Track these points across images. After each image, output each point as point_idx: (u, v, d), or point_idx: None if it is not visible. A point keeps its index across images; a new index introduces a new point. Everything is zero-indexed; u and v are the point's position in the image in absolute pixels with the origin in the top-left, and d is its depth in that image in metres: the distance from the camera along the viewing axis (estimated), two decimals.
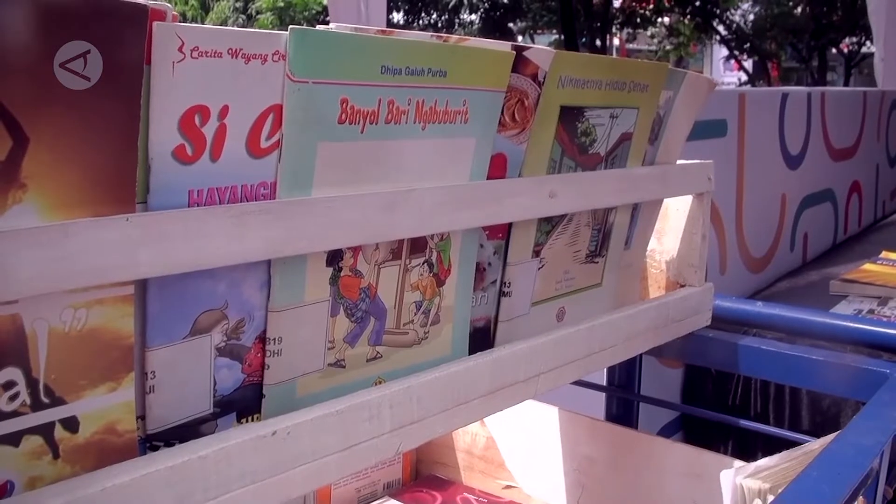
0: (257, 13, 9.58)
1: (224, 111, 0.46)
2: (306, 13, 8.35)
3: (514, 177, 0.67)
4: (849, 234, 2.40)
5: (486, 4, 7.03)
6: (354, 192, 0.53)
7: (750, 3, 7.79)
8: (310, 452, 0.52)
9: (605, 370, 1.13)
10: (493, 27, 8.24)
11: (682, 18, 8.66)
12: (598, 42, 8.55)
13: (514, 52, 0.62)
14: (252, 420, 0.53)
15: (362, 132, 0.53)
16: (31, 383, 0.42)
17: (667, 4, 8.38)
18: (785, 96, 1.83)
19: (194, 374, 0.50)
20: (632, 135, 0.81)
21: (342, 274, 0.55)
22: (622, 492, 1.00)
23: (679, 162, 0.94)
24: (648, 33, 8.93)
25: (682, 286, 0.98)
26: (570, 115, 0.71)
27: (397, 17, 9.22)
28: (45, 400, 0.43)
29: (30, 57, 0.37)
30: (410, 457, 1.14)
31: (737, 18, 8.37)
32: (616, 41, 10.17)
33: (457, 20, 9.17)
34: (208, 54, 0.44)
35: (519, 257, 0.71)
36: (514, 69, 0.63)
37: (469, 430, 1.11)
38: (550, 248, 0.74)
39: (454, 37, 0.60)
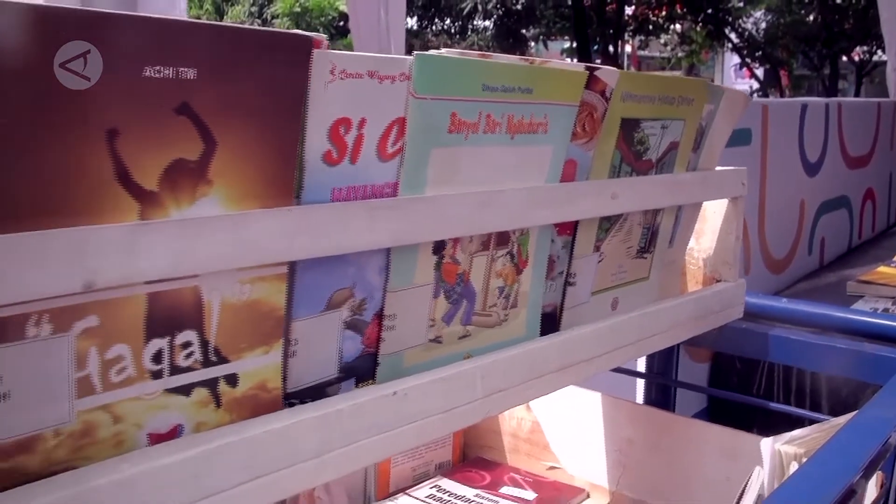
0: (273, 18, 9.68)
1: (362, 122, 0.55)
2: (323, 18, 8.46)
3: (582, 180, 0.76)
4: (863, 238, 2.48)
5: (500, 11, 7.11)
6: (457, 191, 0.62)
7: (762, 11, 7.86)
8: (421, 411, 0.61)
9: (644, 358, 1.22)
10: (507, 33, 8.34)
11: (694, 26, 8.74)
12: (610, 49, 8.65)
13: (588, 72, 0.71)
14: (367, 385, 0.62)
15: (465, 140, 0.62)
16: (204, 344, 0.51)
17: (679, 12, 8.46)
18: (804, 107, 1.91)
19: (326, 343, 0.59)
20: (678, 143, 0.90)
21: (444, 261, 0.64)
22: (660, 471, 1.08)
23: (717, 168, 1.02)
24: (661, 41, 9.01)
25: (718, 281, 1.07)
26: (629, 126, 0.80)
27: (410, 22, 9.32)
28: (213, 359, 0.52)
29: (225, 79, 0.46)
30: (459, 439, 1.23)
31: (749, 26, 8.44)
32: (628, 48, 10.27)
33: (470, 26, 9.27)
34: (352, 76, 0.53)
35: (583, 251, 0.80)
36: (586, 86, 0.72)
37: (515, 415, 1.20)
38: (608, 243, 0.83)
39: (538, 59, 0.69)
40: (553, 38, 8.99)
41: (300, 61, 0.50)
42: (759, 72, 9.04)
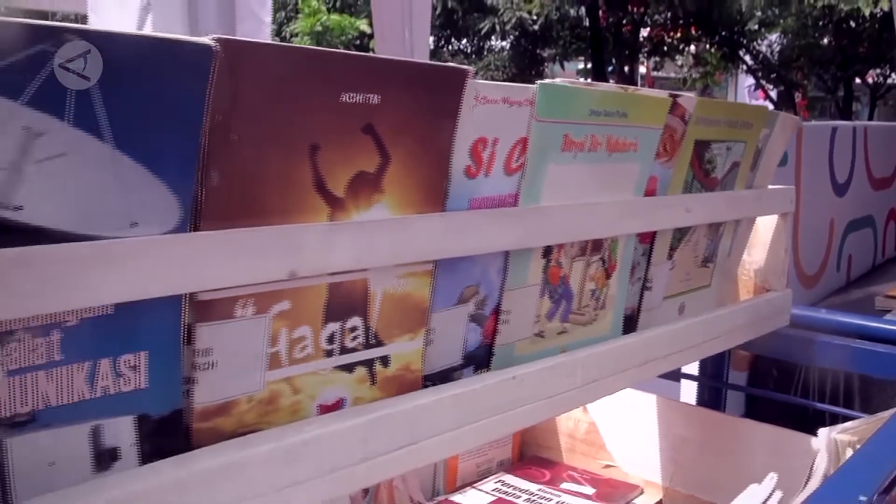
0: (292, 36, 9.80)
1: (495, 141, 0.64)
2: (343, 37, 8.58)
3: (662, 195, 0.84)
4: (886, 256, 2.56)
5: (516, 31, 7.22)
6: (565, 202, 0.71)
7: (778, 34, 7.96)
8: (532, 395, 0.69)
9: (697, 362, 1.30)
10: (524, 54, 8.46)
11: (709, 48, 8.84)
12: (625, 69, 8.75)
13: (671, 99, 0.80)
14: (483, 372, 0.71)
15: (574, 157, 0.70)
16: (367, 329, 0.60)
17: (694, 34, 8.55)
18: (835, 129, 2.00)
19: (455, 334, 0.67)
20: (739, 163, 0.98)
21: (550, 264, 0.73)
22: (712, 468, 1.16)
23: (769, 187, 1.11)
24: (678, 62, 9.11)
25: (768, 291, 1.15)
26: (701, 147, 0.88)
27: None
28: (373, 342, 0.60)
29: (400, 103, 0.55)
30: (517, 439, 1.31)
31: (763, 49, 8.53)
32: (642, 69, 10.38)
33: (485, 46, 9.38)
34: (490, 101, 0.62)
35: (659, 259, 0.88)
36: (669, 111, 0.80)
37: (572, 416, 1.28)
38: (680, 252, 0.92)
39: (631, 87, 0.77)
40: (569, 58, 9.11)
41: (456, 89, 0.58)
42: (773, 93, 9.14)
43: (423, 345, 0.64)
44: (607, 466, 1.25)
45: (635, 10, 8.00)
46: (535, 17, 6.89)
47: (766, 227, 1.16)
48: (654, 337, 0.85)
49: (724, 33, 8.07)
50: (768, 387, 1.59)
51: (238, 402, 0.53)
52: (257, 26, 1.23)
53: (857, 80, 9.23)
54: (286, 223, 0.52)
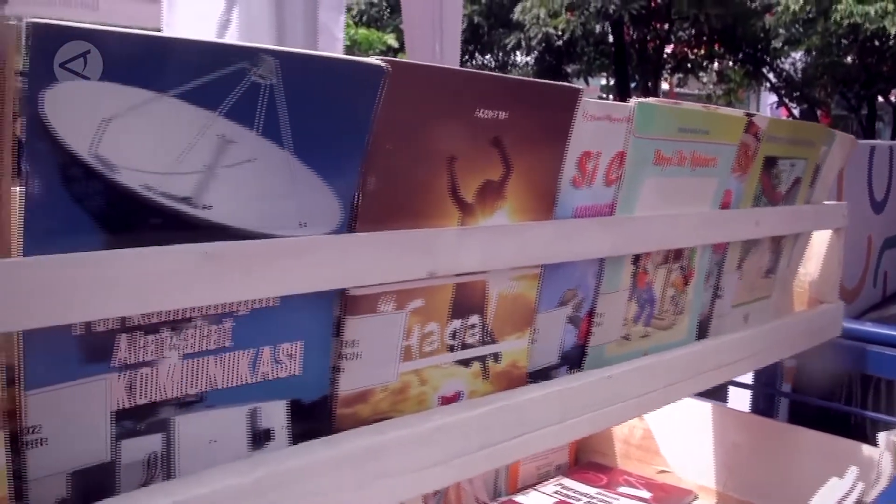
0: None
1: (598, 154, 0.68)
2: (371, 52, 8.68)
3: (735, 207, 0.89)
4: None
5: (541, 46, 7.29)
6: (655, 212, 0.75)
7: (802, 52, 7.98)
8: (623, 395, 0.74)
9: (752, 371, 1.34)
10: (548, 69, 8.52)
11: (732, 65, 8.87)
12: (649, 85, 8.80)
13: (748, 118, 0.84)
14: (575, 372, 0.75)
15: (663, 171, 0.75)
16: (483, 326, 0.64)
17: (718, 51, 8.59)
18: (873, 148, 2.04)
19: (554, 334, 0.72)
20: (801, 179, 1.02)
21: (639, 270, 0.77)
22: (765, 474, 1.20)
23: (825, 202, 1.15)
24: (705, 80, 9.15)
25: (821, 303, 1.19)
26: (769, 163, 0.93)
27: None
28: (488, 339, 0.65)
29: (523, 119, 0.60)
30: (574, 444, 1.35)
31: (787, 66, 8.56)
32: (665, 85, 10.43)
33: (510, 61, 9.45)
34: (596, 118, 0.67)
35: (730, 268, 0.92)
36: (745, 129, 0.85)
37: (627, 423, 1.32)
38: (747, 263, 0.96)
39: (713, 106, 0.82)
40: (593, 74, 9.17)
41: (570, 106, 0.63)
42: (796, 111, 9.17)
43: (528, 343, 0.68)
44: (662, 472, 1.29)
45: (660, 26, 8.05)
46: (560, 33, 6.95)
47: (819, 241, 1.20)
48: (726, 343, 0.90)
49: (747, 50, 8.10)
50: (811, 395, 1.62)
51: (375, 391, 0.58)
52: (332, 42, 1.29)
53: (881, 99, 9.25)
54: (423, 226, 0.57)
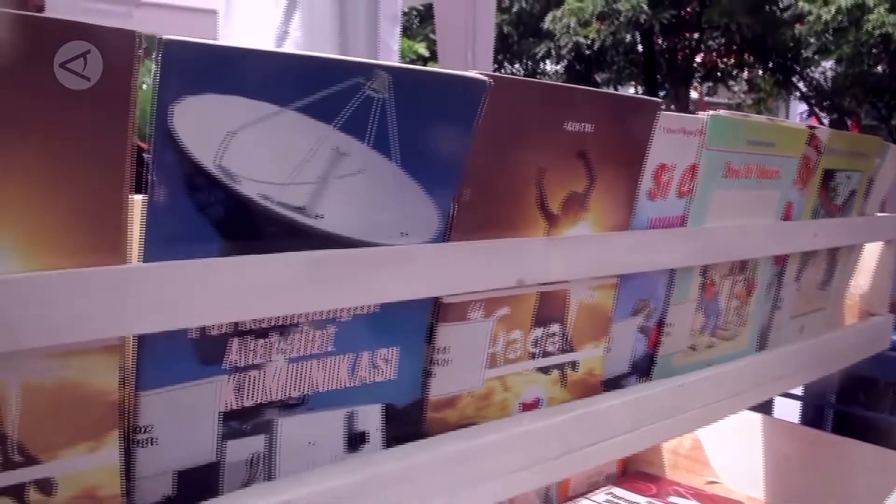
0: None
1: (673, 167, 0.70)
2: (402, 61, 8.71)
3: (797, 219, 0.90)
4: None
5: (571, 56, 7.30)
6: (723, 224, 0.76)
7: (832, 62, 7.93)
8: (692, 404, 0.75)
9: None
10: (578, 78, 8.53)
11: (762, 74, 8.83)
12: (678, 95, 8.78)
13: (810, 130, 0.85)
14: (644, 381, 0.76)
15: (732, 183, 0.76)
16: (563, 335, 0.66)
17: (747, 60, 8.55)
18: None
19: (626, 343, 0.73)
20: (856, 192, 1.03)
21: (707, 281, 0.79)
22: (814, 486, 1.20)
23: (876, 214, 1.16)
24: (736, 89, 9.11)
25: (872, 315, 1.20)
26: (828, 176, 0.94)
27: None
28: (567, 347, 0.66)
29: (607, 132, 0.61)
30: None
31: (817, 76, 8.51)
32: (694, 94, 10.39)
33: (539, 70, 9.46)
34: (672, 131, 0.68)
35: (789, 280, 0.93)
36: (807, 141, 0.86)
37: None
38: (805, 275, 0.97)
39: (777, 119, 0.83)
40: (622, 83, 9.17)
41: (650, 119, 0.64)
42: (826, 121, 9.11)
43: (603, 352, 0.70)
44: (710, 482, 1.30)
45: (689, 35, 8.04)
46: (590, 42, 6.96)
47: (870, 253, 1.21)
48: (785, 354, 0.91)
49: (777, 60, 8.06)
50: (858, 407, 1.62)
51: (462, 396, 0.60)
52: (388, 54, 1.31)
53: None
54: (512, 236, 0.58)
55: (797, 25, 7.00)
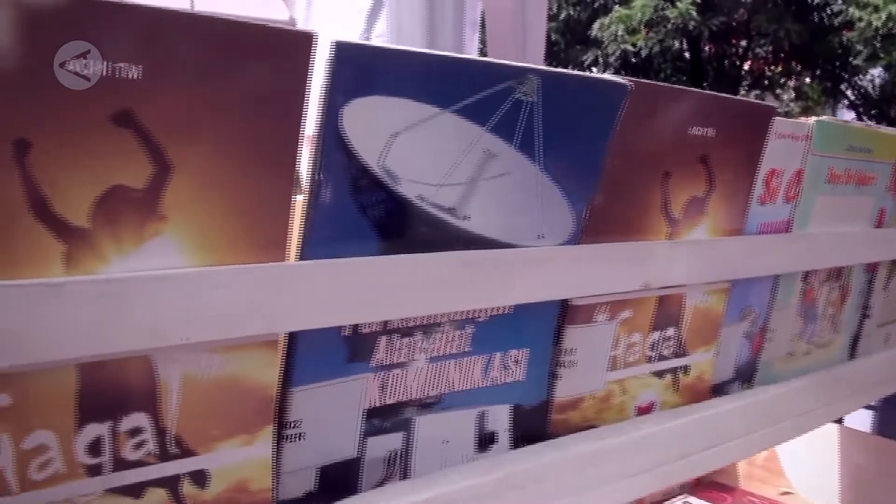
0: None
1: (781, 172, 0.70)
2: None
3: (888, 226, 0.89)
4: None
5: (618, 63, 7.26)
6: (824, 230, 0.77)
7: (880, 69, 7.81)
8: (794, 410, 0.75)
9: None
10: None
11: (810, 82, 8.72)
12: None
13: None
14: (746, 387, 0.76)
15: (833, 189, 0.76)
16: (678, 339, 0.66)
17: (794, 67, 8.44)
18: None
19: (732, 348, 0.73)
20: None
21: (807, 287, 0.79)
22: (890, 498, 1.19)
23: None
24: (784, 97, 9.00)
25: None
26: None
27: None
28: (680, 351, 0.67)
29: (728, 138, 0.62)
30: None
31: (865, 83, 8.40)
32: None
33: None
34: (783, 136, 0.68)
35: (879, 287, 0.93)
36: None
37: None
38: (893, 282, 0.96)
39: (874, 124, 0.83)
40: None
41: (765, 124, 0.65)
42: None
43: (713, 356, 0.70)
44: (785, 493, 1.29)
45: (737, 42, 7.96)
46: (638, 50, 6.93)
47: None
48: (877, 362, 0.90)
49: (826, 67, 7.96)
50: None
51: (584, 398, 0.60)
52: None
53: None
54: (636, 240, 0.59)
55: (845, 32, 6.92)
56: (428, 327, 0.51)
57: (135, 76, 0.37)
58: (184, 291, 0.40)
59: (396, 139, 0.45)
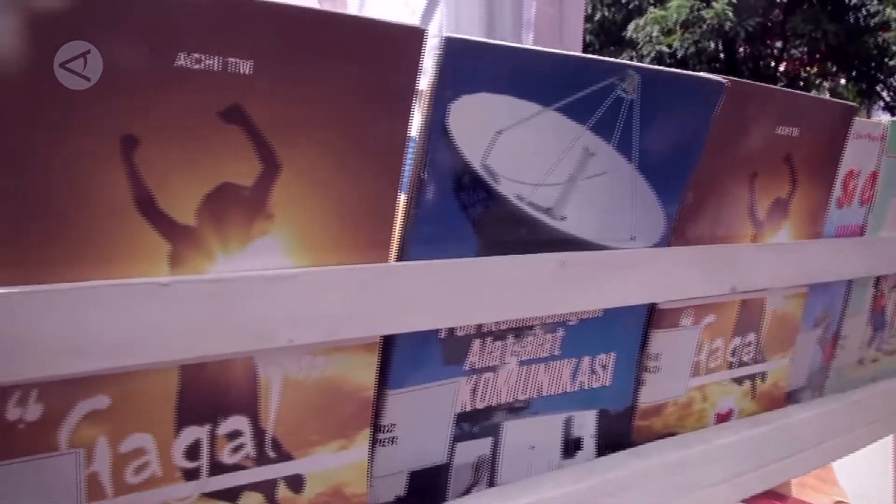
0: None
1: (858, 174, 0.69)
2: None
3: None
4: None
5: (654, 63, 7.25)
6: (894, 234, 0.75)
7: None
8: (861, 421, 0.73)
9: None
10: None
11: (845, 83, 8.67)
12: None
13: None
14: (816, 395, 0.75)
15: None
16: (758, 344, 0.65)
17: (830, 68, 8.40)
18: None
19: (806, 355, 0.72)
20: None
21: (878, 293, 0.77)
22: None
23: None
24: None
25: None
26: None
27: None
28: (759, 357, 0.65)
29: (812, 139, 0.60)
30: None
31: None
32: None
33: None
34: (860, 136, 0.67)
35: None
36: None
37: None
38: None
39: None
40: None
41: (847, 124, 0.64)
42: None
43: (789, 363, 0.68)
44: (838, 502, 1.27)
45: (772, 43, 7.93)
46: (673, 51, 6.92)
47: None
48: None
49: (861, 68, 7.92)
50: None
51: (668, 404, 0.59)
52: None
53: None
54: (723, 243, 0.58)
55: (881, 32, 6.87)
56: (520, 330, 0.50)
57: (245, 71, 0.36)
58: (291, 292, 0.39)
59: (500, 137, 0.44)
